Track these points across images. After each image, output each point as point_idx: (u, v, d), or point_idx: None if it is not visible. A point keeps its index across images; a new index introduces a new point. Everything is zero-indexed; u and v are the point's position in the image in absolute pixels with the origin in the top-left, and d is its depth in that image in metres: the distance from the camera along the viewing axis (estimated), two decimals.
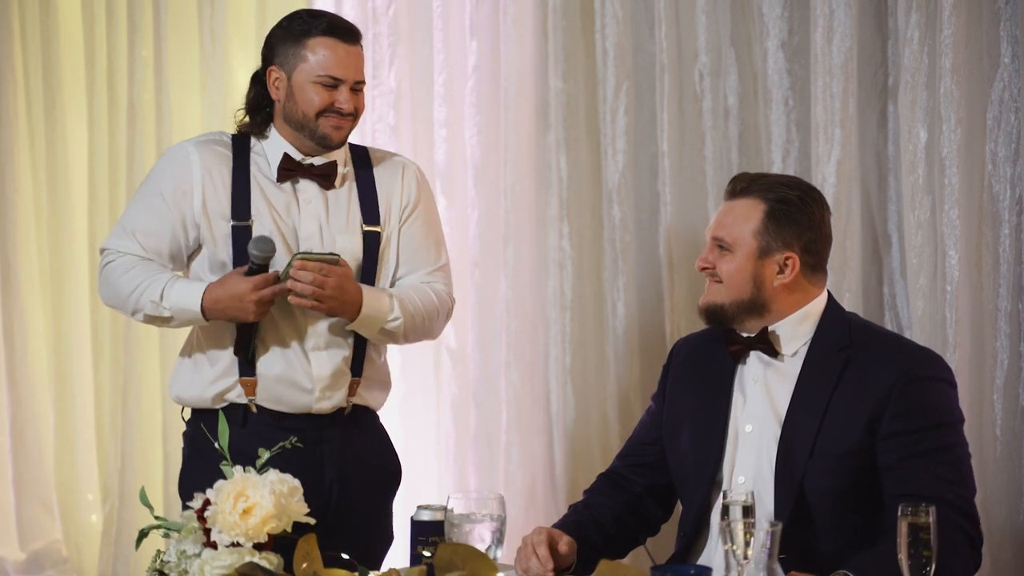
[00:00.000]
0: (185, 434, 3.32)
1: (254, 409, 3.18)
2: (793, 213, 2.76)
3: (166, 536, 2.56)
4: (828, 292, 2.85)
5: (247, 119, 3.27)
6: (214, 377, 3.20)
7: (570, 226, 4.10)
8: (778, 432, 2.73)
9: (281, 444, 2.65)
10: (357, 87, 3.19)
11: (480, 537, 2.43)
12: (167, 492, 4.89)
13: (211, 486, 2.49)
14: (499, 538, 2.45)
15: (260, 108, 3.25)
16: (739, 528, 2.30)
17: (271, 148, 3.23)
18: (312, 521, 2.50)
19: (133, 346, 5.03)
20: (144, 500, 2.58)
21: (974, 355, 3.42)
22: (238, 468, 2.52)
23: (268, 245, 3.06)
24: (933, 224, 3.45)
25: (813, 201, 2.80)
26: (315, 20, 3.19)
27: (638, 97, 4.01)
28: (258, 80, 3.26)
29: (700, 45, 3.87)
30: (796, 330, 2.79)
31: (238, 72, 4.86)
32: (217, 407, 3.18)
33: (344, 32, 3.19)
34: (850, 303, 3.54)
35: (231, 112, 4.76)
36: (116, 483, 5.10)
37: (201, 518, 2.46)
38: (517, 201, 4.18)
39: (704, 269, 2.82)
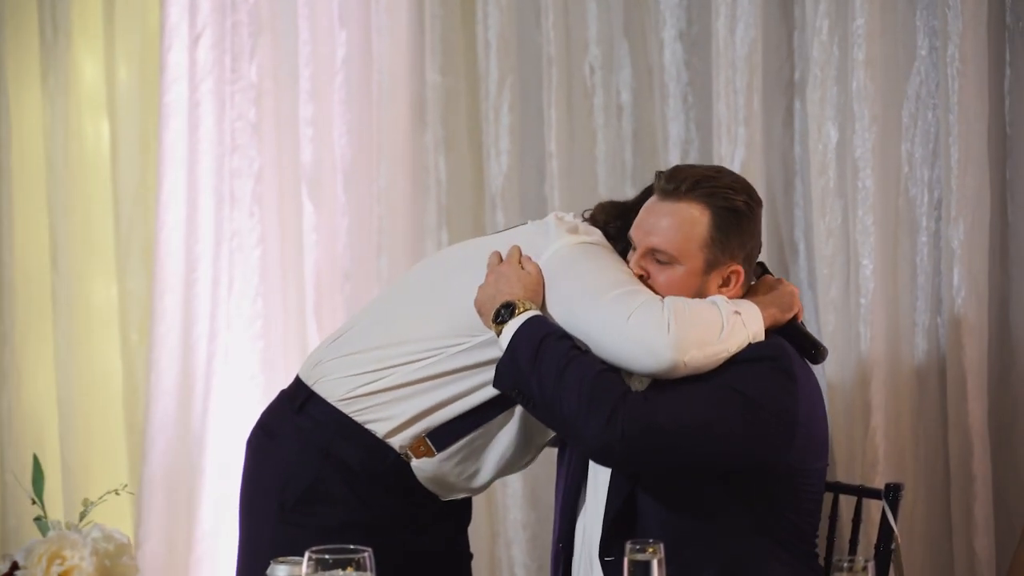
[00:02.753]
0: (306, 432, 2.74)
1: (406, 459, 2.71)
2: (741, 221, 2.53)
3: None
4: None
5: None
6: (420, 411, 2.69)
7: (450, 234, 3.94)
8: None
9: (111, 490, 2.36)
10: None
11: None
12: None
13: None
14: None
15: None
16: None
17: None
18: None
19: None
20: None
21: (890, 373, 3.30)
22: (56, 522, 2.18)
23: None
24: (845, 231, 3.35)
25: (757, 204, 2.56)
26: None
27: (523, 93, 3.87)
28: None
29: (590, 36, 3.74)
30: None
31: (83, 65, 4.56)
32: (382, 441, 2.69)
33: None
34: None
35: (75, 109, 4.54)
36: None
37: None
38: (391, 207, 3.99)
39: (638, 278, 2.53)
